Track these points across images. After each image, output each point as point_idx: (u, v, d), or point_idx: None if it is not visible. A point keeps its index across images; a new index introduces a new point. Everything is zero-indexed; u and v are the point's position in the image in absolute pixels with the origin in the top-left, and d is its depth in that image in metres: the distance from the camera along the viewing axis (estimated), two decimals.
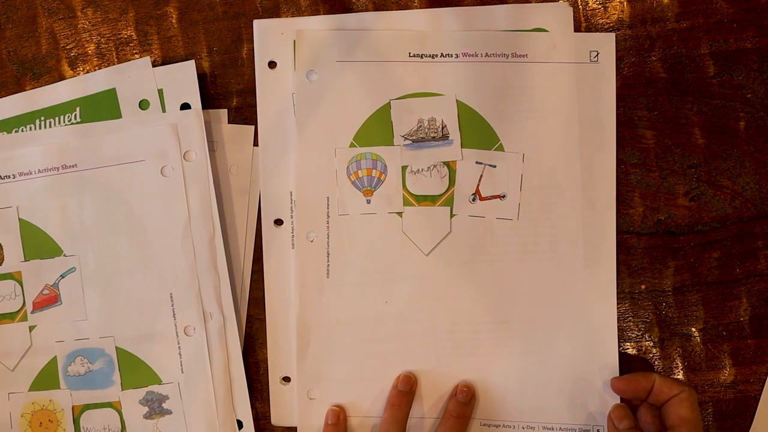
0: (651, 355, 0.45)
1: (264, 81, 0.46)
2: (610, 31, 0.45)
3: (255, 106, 0.46)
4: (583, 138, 0.45)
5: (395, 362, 0.45)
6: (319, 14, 0.46)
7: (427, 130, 0.45)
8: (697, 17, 0.45)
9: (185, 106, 0.45)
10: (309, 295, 0.45)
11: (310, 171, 0.45)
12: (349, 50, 0.45)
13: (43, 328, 0.46)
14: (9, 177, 0.46)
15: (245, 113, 0.46)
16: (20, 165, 0.45)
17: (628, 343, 0.45)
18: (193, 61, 0.45)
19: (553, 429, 0.44)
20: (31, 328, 0.46)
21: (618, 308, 0.45)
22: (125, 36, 0.47)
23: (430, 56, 0.45)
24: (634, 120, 0.45)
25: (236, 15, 0.46)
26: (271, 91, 0.46)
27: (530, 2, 0.45)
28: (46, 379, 0.46)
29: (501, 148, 0.45)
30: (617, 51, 0.45)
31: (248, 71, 0.46)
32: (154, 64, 0.45)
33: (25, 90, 0.46)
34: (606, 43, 0.45)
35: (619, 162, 0.45)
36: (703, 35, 0.45)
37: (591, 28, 0.46)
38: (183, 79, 0.45)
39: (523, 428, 0.45)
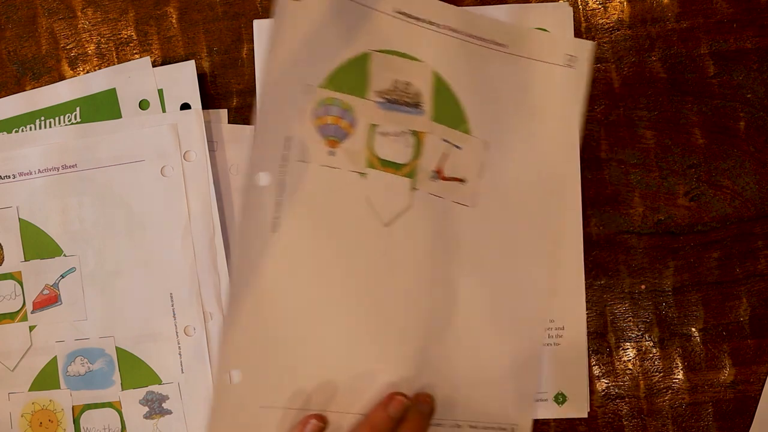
0: (651, 355, 0.45)
1: None
2: (611, 31, 0.45)
3: (255, 106, 0.46)
4: (548, 137, 0.43)
5: (339, 348, 0.41)
6: None
7: (401, 92, 0.42)
8: (697, 17, 0.45)
9: (185, 106, 0.45)
10: (248, 250, 0.40)
11: (273, 104, 0.41)
12: None
13: (43, 328, 0.46)
14: (9, 177, 0.46)
15: (245, 113, 0.46)
16: (20, 165, 0.45)
17: (628, 343, 0.45)
18: (193, 61, 0.45)
19: (477, 427, 0.43)
20: (31, 328, 0.46)
21: (618, 308, 0.45)
22: (125, 36, 0.47)
23: (415, 18, 0.43)
24: (634, 120, 0.45)
25: (236, 15, 0.46)
26: None
27: (530, 2, 0.45)
28: (46, 379, 0.46)
29: (467, 131, 0.43)
30: (618, 51, 0.45)
31: (248, 71, 0.46)
32: (154, 64, 0.45)
33: (25, 90, 0.46)
34: (584, 50, 0.44)
35: (619, 162, 0.45)
36: (703, 35, 0.45)
37: (591, 28, 0.46)
38: (183, 79, 0.45)
39: (451, 427, 0.43)
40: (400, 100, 0.42)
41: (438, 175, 0.43)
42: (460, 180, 0.43)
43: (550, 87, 0.44)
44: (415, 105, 0.43)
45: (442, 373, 0.43)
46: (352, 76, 0.42)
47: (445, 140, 0.43)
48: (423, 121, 0.43)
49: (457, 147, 0.43)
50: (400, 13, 0.43)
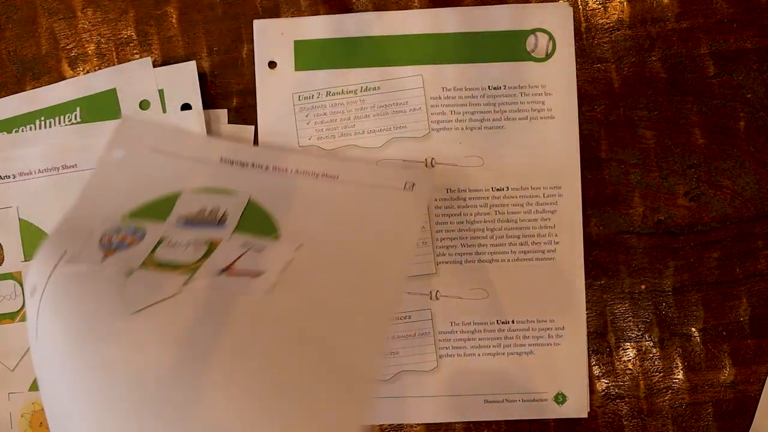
0: (651, 355, 0.46)
1: (264, 81, 0.46)
2: (611, 31, 0.45)
3: (255, 106, 0.46)
4: (377, 252, 0.39)
5: None
6: (319, 14, 0.46)
7: (206, 216, 0.41)
8: (697, 17, 0.45)
9: (186, 107, 0.45)
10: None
11: (70, 229, 0.39)
12: (166, 142, 0.43)
13: None
14: (9, 177, 0.46)
15: (245, 113, 0.46)
16: (20, 165, 0.45)
17: (628, 343, 0.46)
18: (194, 62, 0.45)
19: None
20: None
21: (618, 308, 0.45)
22: (125, 36, 0.47)
23: (240, 164, 0.43)
24: (634, 120, 0.45)
25: (236, 15, 0.46)
26: (271, 91, 0.46)
27: (530, 2, 0.45)
28: None
29: (276, 238, 0.40)
30: (618, 51, 0.45)
31: (248, 71, 0.46)
32: (154, 64, 0.45)
33: (25, 90, 0.46)
34: (424, 177, 0.42)
35: (619, 162, 0.45)
36: (703, 35, 0.45)
37: (591, 28, 0.46)
38: (184, 79, 0.45)
39: None
40: (202, 220, 0.40)
41: (227, 270, 0.37)
42: (256, 273, 0.37)
43: (383, 209, 0.41)
44: (218, 222, 0.40)
45: None
46: (156, 209, 0.41)
47: (245, 245, 0.39)
48: (223, 233, 0.40)
49: (259, 248, 0.39)
50: (226, 161, 0.43)
